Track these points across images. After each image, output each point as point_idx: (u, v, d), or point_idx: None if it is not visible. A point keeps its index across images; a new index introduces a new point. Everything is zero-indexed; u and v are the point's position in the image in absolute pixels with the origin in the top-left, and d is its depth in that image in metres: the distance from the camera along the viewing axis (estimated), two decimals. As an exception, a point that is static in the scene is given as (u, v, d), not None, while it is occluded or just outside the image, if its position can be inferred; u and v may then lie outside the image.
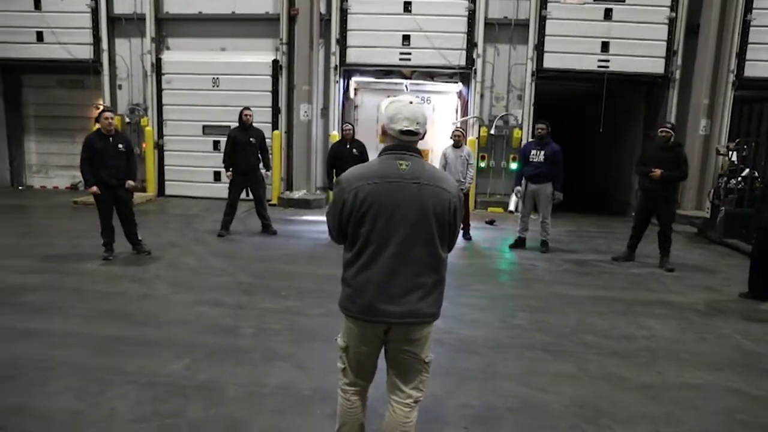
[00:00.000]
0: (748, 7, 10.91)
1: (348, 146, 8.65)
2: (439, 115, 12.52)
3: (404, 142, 2.42)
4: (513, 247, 8.08)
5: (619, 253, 7.96)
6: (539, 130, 7.98)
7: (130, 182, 6.95)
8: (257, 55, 11.73)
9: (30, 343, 4.44)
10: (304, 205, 11.31)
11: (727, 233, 9.15)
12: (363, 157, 8.64)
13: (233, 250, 7.76)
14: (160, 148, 11.98)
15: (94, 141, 6.72)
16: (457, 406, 3.71)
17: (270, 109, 11.69)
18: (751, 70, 11.14)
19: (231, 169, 8.32)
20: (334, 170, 8.65)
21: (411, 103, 2.43)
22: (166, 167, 12.11)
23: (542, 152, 7.86)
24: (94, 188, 6.67)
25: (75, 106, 12.69)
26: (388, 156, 2.45)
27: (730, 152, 9.79)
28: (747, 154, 9.70)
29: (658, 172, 7.22)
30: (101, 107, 11.87)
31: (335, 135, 11.64)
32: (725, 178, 9.37)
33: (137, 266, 6.77)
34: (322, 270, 7.02)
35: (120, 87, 12.23)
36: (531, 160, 7.94)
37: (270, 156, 9.58)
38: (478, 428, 3.48)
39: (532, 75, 11.48)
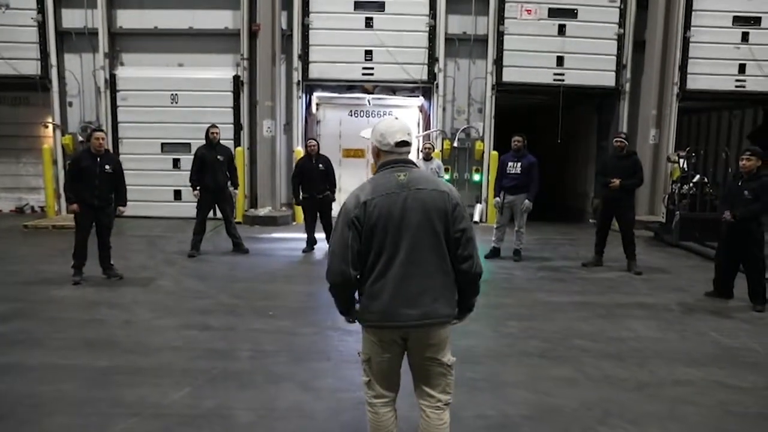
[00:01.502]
0: (687, 24, 11.66)
1: (314, 161, 8.56)
2: (402, 129, 12.66)
3: (399, 154, 2.57)
4: (488, 257, 8.22)
5: (588, 258, 8.25)
6: (516, 143, 8.19)
7: (121, 208, 6.73)
8: (217, 71, 11.51)
9: (12, 379, 4.16)
10: (271, 222, 11.14)
11: (683, 236, 9.67)
12: (328, 171, 8.63)
13: (207, 271, 7.54)
14: (116, 167, 11.48)
15: (81, 159, 6.54)
16: (474, 417, 3.74)
17: (232, 125, 11.46)
18: (692, 83, 11.87)
19: (198, 187, 8.15)
20: (300, 186, 8.59)
21: (396, 119, 2.66)
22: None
23: (519, 164, 8.08)
24: (75, 206, 6.39)
25: (20, 125, 12.03)
26: (387, 170, 2.57)
27: (681, 160, 10.37)
28: (695, 162, 10.31)
29: (617, 182, 7.60)
30: (50, 125, 11.47)
31: (299, 151, 11.52)
32: (679, 184, 9.90)
33: (111, 291, 6.46)
34: (303, 288, 6.95)
35: (71, 104, 11.69)
36: (508, 171, 8.14)
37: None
38: (500, 438, 3.52)
39: (492, 88, 11.80)
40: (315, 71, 11.64)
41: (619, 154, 7.84)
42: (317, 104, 12.47)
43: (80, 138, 11.37)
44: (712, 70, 11.83)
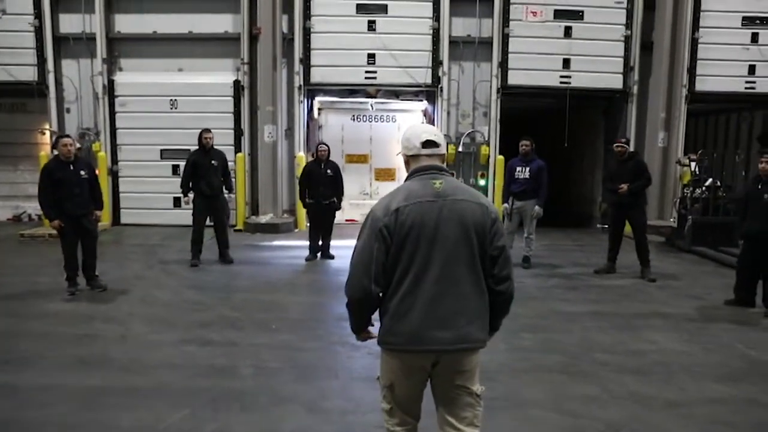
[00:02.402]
0: (696, 25, 11.43)
1: (322, 167, 8.34)
2: (405, 134, 12.43)
3: (429, 158, 2.36)
4: None
5: (600, 265, 7.99)
6: (524, 147, 7.95)
7: (98, 213, 6.45)
8: (217, 76, 11.28)
9: (-1, 402, 3.89)
10: (272, 229, 10.87)
11: (696, 241, 9.42)
12: (336, 177, 8.41)
13: (207, 281, 7.27)
14: (114, 174, 11.25)
15: (53, 170, 6.16)
16: (495, 442, 3.47)
17: (232, 131, 11.24)
18: (701, 85, 11.63)
19: (189, 194, 7.96)
20: (307, 191, 8.39)
21: (422, 123, 2.40)
22: (121, 194, 11.38)
23: (527, 168, 7.85)
24: (56, 223, 6.10)
25: (17, 132, 11.79)
26: (420, 177, 2.35)
27: (692, 163, 10.13)
28: (707, 165, 10.07)
29: (624, 187, 7.39)
30: (47, 131, 11.24)
31: (301, 156, 11.32)
32: (691, 188, 9.65)
33: (106, 304, 6.19)
34: (306, 298, 6.71)
35: (68, 110, 11.44)
36: (517, 177, 7.91)
37: (233, 179, 9.23)
38: (524, 465, 3.25)
39: (497, 92, 11.56)
40: (317, 75, 11.41)
41: (620, 159, 7.63)
42: (319, 109, 12.23)
43: (77, 145, 11.12)
44: (721, 71, 11.59)
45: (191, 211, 8.10)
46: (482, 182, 12.00)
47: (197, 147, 8.08)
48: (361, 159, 12.50)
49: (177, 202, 11.27)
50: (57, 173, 6.12)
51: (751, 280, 6.25)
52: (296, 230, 11.13)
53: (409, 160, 2.42)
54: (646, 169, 7.74)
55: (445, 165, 2.46)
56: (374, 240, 2.27)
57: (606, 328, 5.61)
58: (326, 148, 8.44)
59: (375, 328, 2.50)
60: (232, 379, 4.31)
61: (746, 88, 11.73)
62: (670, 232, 10.12)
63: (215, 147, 8.19)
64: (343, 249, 8.93)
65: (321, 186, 8.24)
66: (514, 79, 11.54)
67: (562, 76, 11.57)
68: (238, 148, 11.23)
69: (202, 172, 7.86)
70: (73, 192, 6.11)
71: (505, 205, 8.09)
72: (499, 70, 11.48)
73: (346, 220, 11.35)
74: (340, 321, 5.75)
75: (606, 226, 11.80)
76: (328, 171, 8.33)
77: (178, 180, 11.00)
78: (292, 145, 11.63)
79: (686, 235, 9.51)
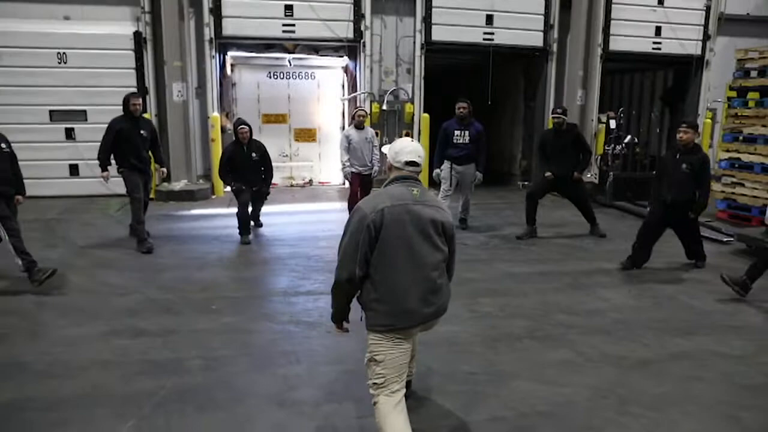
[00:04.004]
0: (611, -16, 11.67)
1: (245, 150, 7.31)
2: (325, 91, 11.82)
3: (409, 172, 2.82)
4: None
5: (522, 231, 7.75)
6: (461, 110, 7.62)
7: (20, 198, 5.58)
8: (113, 26, 9.90)
9: None
10: (188, 197, 9.96)
11: (616, 196, 9.82)
12: (265, 161, 7.47)
13: (125, 260, 6.43)
14: (-7, 139, 9.69)
15: None
16: (488, 421, 3.27)
17: (135, 89, 9.96)
18: (614, 45, 11.99)
19: (108, 168, 6.79)
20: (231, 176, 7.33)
21: (412, 141, 2.94)
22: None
23: (467, 132, 7.58)
24: None
25: None
26: (402, 184, 2.80)
27: (611, 121, 10.46)
28: (623, 123, 10.45)
29: (578, 176, 7.65)
30: None
31: (216, 117, 10.40)
32: (612, 145, 9.98)
33: (3, 294, 5.25)
34: (242, 273, 6.15)
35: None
36: (456, 141, 7.60)
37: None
38: (523, 444, 3.07)
39: (421, 48, 11.21)
40: (229, 27, 10.38)
41: (557, 129, 7.64)
42: (232, 65, 11.23)
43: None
44: (632, 32, 12.01)
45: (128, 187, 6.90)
46: (407, 142, 11.73)
47: (122, 114, 6.84)
48: (279, 119, 11.74)
49: (74, 170, 10.05)
50: None
51: (652, 243, 6.27)
52: (213, 197, 10.31)
53: (392, 167, 2.86)
54: (584, 141, 7.86)
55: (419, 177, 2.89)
56: (360, 232, 2.65)
57: (559, 288, 5.62)
58: (247, 128, 7.31)
59: (348, 325, 2.96)
60: (179, 375, 3.75)
61: (653, 48, 12.26)
62: (591, 188, 10.45)
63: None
64: (271, 216, 8.38)
65: (246, 171, 7.29)
66: (438, 35, 11.21)
67: (485, 33, 11.41)
68: (143, 108, 9.99)
69: (128, 143, 6.72)
70: None
71: (437, 170, 7.76)
72: (423, 25, 11.09)
73: (268, 186, 10.65)
74: (286, 296, 5.32)
75: (526, 183, 12.18)
76: (253, 154, 7.33)
77: (73, 145, 9.95)
78: (205, 104, 10.61)
79: (607, 191, 9.88)
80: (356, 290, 2.79)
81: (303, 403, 3.42)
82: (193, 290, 5.44)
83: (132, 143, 6.76)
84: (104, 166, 6.74)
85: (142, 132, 6.85)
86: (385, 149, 3.01)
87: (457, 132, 7.62)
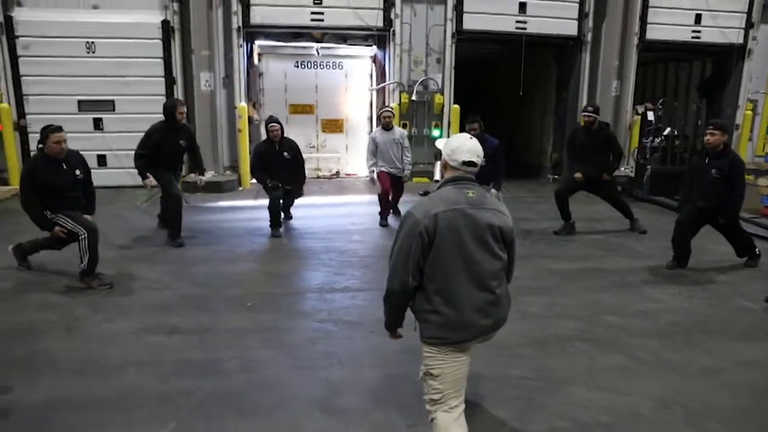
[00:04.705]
0: (648, -30, 11.22)
1: (277, 148, 7.11)
2: (353, 82, 11.60)
3: (465, 172, 2.58)
4: None
5: (560, 227, 7.50)
6: (472, 131, 6.80)
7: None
8: (141, 15, 9.79)
9: None
10: (215, 188, 9.85)
11: (653, 191, 9.46)
12: (297, 160, 7.26)
13: (154, 253, 6.32)
14: (22, 129, 9.68)
15: None
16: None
17: (163, 78, 9.91)
18: (651, 33, 11.55)
19: (148, 173, 6.55)
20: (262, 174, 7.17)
21: (471, 138, 2.63)
22: (32, 153, 9.85)
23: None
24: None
25: None
26: (456, 186, 2.58)
27: (649, 112, 10.07)
28: (662, 115, 10.05)
29: (607, 177, 7.37)
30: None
31: (243, 107, 10.25)
32: (651, 138, 9.60)
33: (37, 286, 5.17)
34: (275, 267, 5.99)
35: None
36: None
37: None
38: (588, 459, 2.86)
39: (452, 37, 10.91)
40: (257, 16, 10.21)
41: (589, 128, 7.33)
42: (259, 54, 11.07)
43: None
44: (669, 20, 11.55)
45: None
46: (436, 132, 11.48)
47: (164, 120, 6.63)
48: (307, 109, 11.57)
49: (101, 161, 10.01)
50: None
51: (689, 241, 5.95)
52: (240, 188, 10.19)
53: (447, 165, 2.63)
54: (616, 142, 7.56)
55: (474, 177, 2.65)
56: (413, 239, 2.44)
57: (605, 287, 5.36)
58: (278, 126, 7.08)
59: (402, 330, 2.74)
60: (217, 377, 3.60)
61: (692, 37, 11.79)
62: (627, 182, 10.10)
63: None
64: (300, 208, 8.19)
65: (278, 170, 7.06)
66: (470, 23, 10.91)
67: (518, 21, 11.06)
68: (170, 98, 9.92)
69: (167, 153, 6.58)
70: None
71: None
72: (454, 14, 10.79)
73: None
74: (322, 293, 5.14)
75: (556, 177, 11.82)
76: (285, 153, 7.12)
77: (101, 136, 9.89)
78: (232, 94, 10.46)
79: (645, 185, 9.52)
80: (410, 300, 2.58)
81: (349, 411, 3.24)
82: (226, 286, 5.30)
83: (168, 153, 6.61)
84: (143, 173, 6.52)
85: (181, 142, 6.68)
86: (440, 144, 2.76)
87: None
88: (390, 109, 8.14)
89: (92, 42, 9.66)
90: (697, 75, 13.52)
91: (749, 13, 11.82)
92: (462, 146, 2.59)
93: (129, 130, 9.72)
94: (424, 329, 2.55)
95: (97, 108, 9.77)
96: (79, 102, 9.79)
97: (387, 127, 7.76)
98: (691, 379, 3.66)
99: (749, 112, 12.10)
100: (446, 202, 2.50)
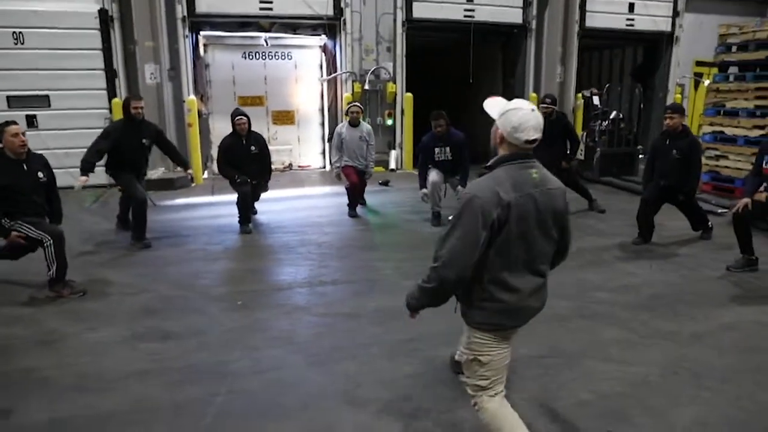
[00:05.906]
0: (587, -41, 11.70)
1: (244, 142, 6.85)
2: (304, 72, 11.40)
3: (526, 150, 2.35)
4: (435, 224, 7.13)
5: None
6: (438, 129, 6.89)
7: None
8: (76, 3, 9.12)
9: None
10: (167, 185, 9.40)
11: (603, 172, 9.92)
12: (263, 154, 7.03)
13: (122, 257, 5.95)
14: (-56, 130, 8.81)
15: None
16: (575, 406, 3.15)
17: (103, 71, 9.31)
18: (590, 21, 12.06)
19: (89, 173, 5.93)
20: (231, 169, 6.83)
21: (533, 110, 2.31)
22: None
23: (447, 148, 6.98)
24: None
25: None
26: (518, 165, 2.34)
27: (595, 97, 10.53)
28: (607, 98, 10.54)
29: (566, 165, 7.60)
30: None
31: (192, 100, 9.82)
32: (599, 121, 10.05)
33: (2, 295, 4.74)
34: (255, 264, 5.81)
35: None
36: (437, 159, 7.00)
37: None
38: (620, 425, 2.97)
39: (403, 25, 10.94)
40: (203, 5, 9.81)
41: (547, 118, 7.53)
42: (205, 45, 10.63)
43: None
44: (607, 8, 12.11)
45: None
46: (389, 122, 11.49)
47: (122, 119, 6.26)
48: (256, 101, 11.27)
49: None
50: None
51: (652, 217, 6.29)
52: (193, 185, 9.77)
53: (504, 141, 2.34)
54: (575, 132, 7.86)
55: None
56: (482, 228, 2.24)
57: (582, 266, 5.54)
58: (245, 119, 6.81)
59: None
60: (230, 379, 3.44)
61: (627, 25, 12.41)
62: (577, 165, 10.51)
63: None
64: (263, 203, 7.92)
65: (246, 165, 6.81)
66: (419, 11, 11.00)
67: (466, 10, 11.26)
68: (112, 92, 9.37)
69: (128, 155, 6.14)
70: None
71: (424, 190, 7.15)
72: (403, 2, 10.83)
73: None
74: (312, 287, 5.04)
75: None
76: (252, 147, 6.87)
77: (36, 133, 9.15)
78: (179, 87, 10.02)
79: (595, 167, 9.97)
80: (459, 290, 2.41)
81: (376, 401, 3.19)
82: (209, 285, 5.09)
83: (130, 154, 6.19)
84: (86, 170, 5.85)
85: (144, 141, 6.27)
86: (493, 113, 2.34)
87: (437, 149, 7.00)
88: (358, 105, 8.05)
89: (20, 32, 8.91)
90: (629, 61, 14.28)
91: (675, 2, 12.59)
92: (526, 122, 2.28)
93: (67, 126, 9.15)
94: (476, 315, 2.43)
95: (29, 104, 9.08)
96: (8, 98, 9.04)
97: (354, 122, 7.68)
98: (685, 345, 3.89)
99: (678, 96, 12.90)
100: (516, 186, 2.28)
